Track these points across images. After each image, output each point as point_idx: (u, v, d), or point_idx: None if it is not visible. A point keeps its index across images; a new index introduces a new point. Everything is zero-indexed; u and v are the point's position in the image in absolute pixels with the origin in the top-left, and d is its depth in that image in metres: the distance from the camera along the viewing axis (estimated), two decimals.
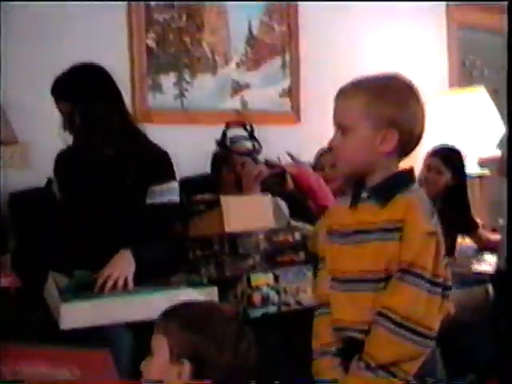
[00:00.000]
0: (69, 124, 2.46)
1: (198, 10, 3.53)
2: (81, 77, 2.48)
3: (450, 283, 1.58)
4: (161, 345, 1.47)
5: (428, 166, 3.47)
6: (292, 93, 3.87)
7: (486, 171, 4.21)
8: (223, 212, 2.54)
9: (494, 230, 3.78)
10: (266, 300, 2.52)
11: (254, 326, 2.38)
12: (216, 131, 3.14)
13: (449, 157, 3.47)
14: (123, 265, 2.32)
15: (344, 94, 1.63)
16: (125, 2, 3.30)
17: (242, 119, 3.29)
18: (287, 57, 3.86)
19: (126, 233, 2.41)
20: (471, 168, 3.93)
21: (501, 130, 4.13)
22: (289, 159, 3.07)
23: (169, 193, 2.52)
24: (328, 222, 1.75)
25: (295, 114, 3.89)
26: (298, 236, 2.69)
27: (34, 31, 3.03)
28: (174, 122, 3.40)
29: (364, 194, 1.63)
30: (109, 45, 3.18)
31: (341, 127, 1.62)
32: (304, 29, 3.90)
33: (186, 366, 1.43)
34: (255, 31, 3.76)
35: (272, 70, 3.83)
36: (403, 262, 1.54)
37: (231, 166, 3.06)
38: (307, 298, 2.61)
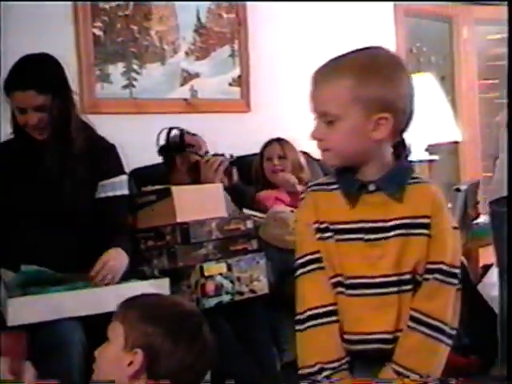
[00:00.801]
0: (41, 118, 2.35)
1: None
2: (52, 67, 2.38)
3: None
4: (117, 333, 1.45)
5: None
6: (242, 81, 3.86)
7: (435, 157, 4.27)
8: (174, 202, 2.52)
9: None
10: (219, 289, 2.51)
11: (208, 316, 2.40)
12: (166, 120, 3.12)
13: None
14: (121, 261, 2.33)
15: (325, 78, 1.43)
16: None
17: (193, 109, 3.27)
18: (236, 45, 3.84)
19: (77, 228, 2.38)
20: (420, 153, 3.98)
21: (448, 115, 4.20)
22: (239, 151, 3.06)
23: (118, 186, 2.49)
24: (317, 216, 1.49)
25: (245, 103, 3.87)
26: (250, 224, 2.70)
27: None
28: (123, 111, 3.36)
29: (371, 187, 1.45)
30: (55, 34, 3.12)
31: (325, 116, 1.42)
32: (253, 16, 3.89)
33: (139, 356, 1.40)
34: (204, 19, 3.73)
35: (221, 59, 3.81)
36: (440, 263, 1.43)
37: (184, 156, 3.05)
38: (260, 286, 2.62)
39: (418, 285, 1.44)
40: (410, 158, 1.54)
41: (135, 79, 3.45)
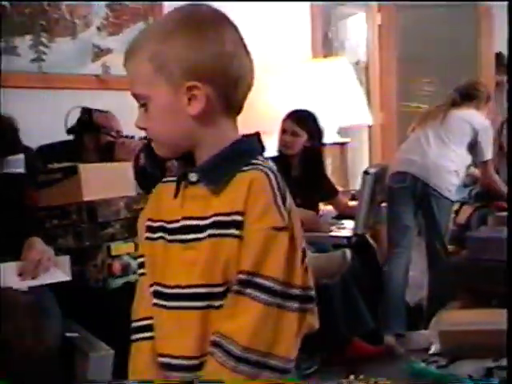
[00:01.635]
0: None
1: None
2: None
3: (312, 292, 1.18)
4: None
5: (283, 130, 3.49)
6: None
7: (346, 139, 4.34)
8: (81, 180, 2.47)
9: (353, 197, 3.92)
10: (126, 269, 2.49)
11: (115, 296, 2.38)
12: (76, 97, 3.05)
13: (303, 119, 3.49)
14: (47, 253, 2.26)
15: (128, 54, 1.19)
16: None
17: (105, 85, 3.21)
18: (150, 22, 3.78)
19: None
20: (332, 136, 4.03)
21: (360, 99, 4.27)
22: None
23: (14, 164, 2.41)
24: (152, 213, 1.26)
25: None
26: None
27: None
28: (30, 86, 3.26)
29: (192, 177, 1.18)
30: None
31: (137, 100, 1.19)
32: None
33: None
34: None
35: (135, 35, 3.73)
36: (240, 272, 1.12)
37: (95, 136, 2.99)
38: None
39: None
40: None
41: (44, 53, 3.34)
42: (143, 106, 1.18)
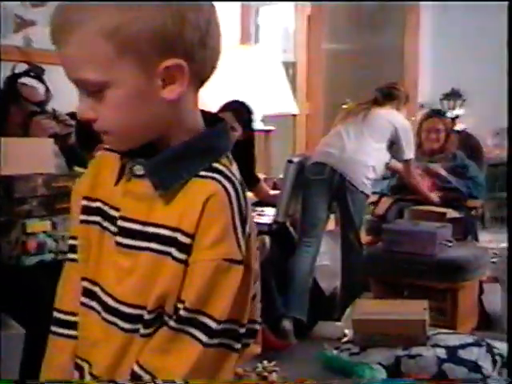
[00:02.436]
0: None
1: None
2: None
3: (257, 326, 1.07)
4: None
5: None
6: None
7: (270, 127, 4.36)
8: (0, 153, 2.40)
9: (275, 185, 3.94)
10: (42, 247, 2.43)
11: (28, 274, 2.32)
12: None
13: (240, 112, 3.52)
14: None
15: (64, 27, 0.91)
16: None
17: (27, 58, 3.10)
18: None
19: None
20: (257, 123, 4.04)
21: (286, 89, 4.29)
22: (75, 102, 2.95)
23: None
24: (92, 190, 1.07)
25: None
26: None
27: None
28: None
29: (138, 170, 0.98)
30: None
31: (85, 86, 0.94)
32: None
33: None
34: None
35: (65, 4, 3.63)
36: (182, 303, 0.95)
37: (18, 109, 2.90)
38: None
39: None
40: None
41: None
42: (93, 93, 0.93)
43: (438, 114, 4.34)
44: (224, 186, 0.95)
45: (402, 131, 3.68)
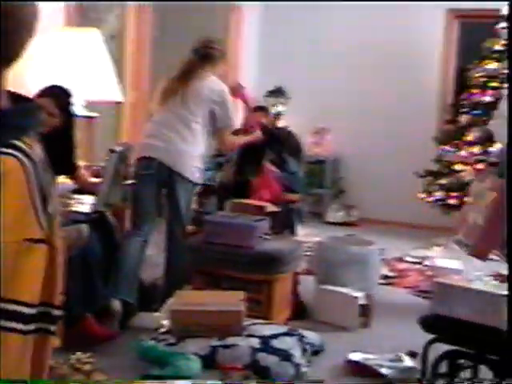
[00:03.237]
0: None
1: None
2: None
3: (57, 312, 0.99)
4: None
5: None
6: None
7: (94, 114, 4.25)
8: None
9: (96, 173, 3.86)
10: None
11: None
12: None
13: (59, 97, 3.40)
14: None
15: None
16: None
17: None
18: None
19: None
20: (79, 109, 3.92)
21: (110, 75, 4.20)
22: None
23: None
24: None
25: None
26: None
27: None
28: None
29: None
30: None
31: None
32: None
33: None
34: None
35: None
36: None
37: None
38: None
39: None
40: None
41: None
42: None
43: (261, 109, 4.45)
44: (23, 164, 0.89)
45: (219, 102, 3.62)
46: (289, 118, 6.80)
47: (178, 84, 3.63)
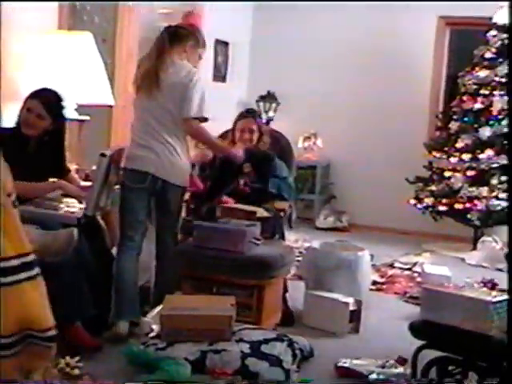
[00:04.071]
0: None
1: None
2: None
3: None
4: None
5: (28, 109, 3.37)
6: None
7: (85, 117, 4.24)
8: None
9: (86, 176, 3.84)
10: None
11: None
12: None
13: (50, 101, 3.40)
14: None
15: None
16: None
17: None
18: None
19: None
20: (70, 112, 3.92)
21: (102, 78, 4.19)
22: None
23: None
24: None
25: None
26: None
27: None
28: None
29: None
30: None
31: None
32: None
33: None
34: None
35: None
36: None
37: None
38: None
39: None
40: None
41: None
42: None
43: (252, 114, 4.43)
44: None
45: (189, 91, 3.45)
46: (280, 123, 6.80)
47: (151, 80, 3.46)
